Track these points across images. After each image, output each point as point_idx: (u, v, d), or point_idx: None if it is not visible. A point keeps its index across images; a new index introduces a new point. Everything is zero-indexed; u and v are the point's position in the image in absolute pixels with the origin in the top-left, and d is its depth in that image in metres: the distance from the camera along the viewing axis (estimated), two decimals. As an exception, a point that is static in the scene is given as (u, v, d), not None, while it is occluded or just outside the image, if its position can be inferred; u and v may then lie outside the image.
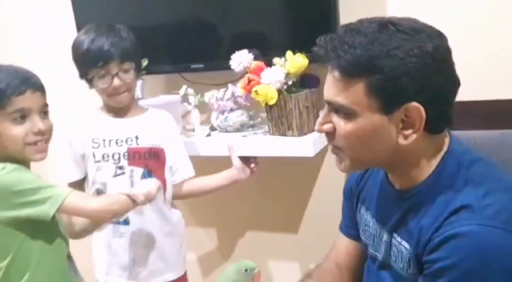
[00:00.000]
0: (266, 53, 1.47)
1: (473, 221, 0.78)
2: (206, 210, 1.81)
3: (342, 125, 0.84)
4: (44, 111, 1.13)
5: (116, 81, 1.34)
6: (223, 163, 1.52)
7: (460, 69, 0.85)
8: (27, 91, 1.09)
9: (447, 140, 0.88)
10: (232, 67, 1.46)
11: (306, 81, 1.46)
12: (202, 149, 1.55)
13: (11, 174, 1.07)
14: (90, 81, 1.38)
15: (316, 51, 0.85)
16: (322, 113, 0.88)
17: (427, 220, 0.83)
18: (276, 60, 1.41)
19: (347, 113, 0.83)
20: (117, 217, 1.31)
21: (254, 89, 1.41)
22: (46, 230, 1.12)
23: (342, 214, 1.15)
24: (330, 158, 1.54)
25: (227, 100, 1.50)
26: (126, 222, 1.40)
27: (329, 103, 0.86)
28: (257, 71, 1.43)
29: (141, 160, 1.40)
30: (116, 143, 1.39)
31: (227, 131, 1.58)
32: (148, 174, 1.40)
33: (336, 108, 0.85)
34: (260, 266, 1.00)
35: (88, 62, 1.35)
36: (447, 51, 0.82)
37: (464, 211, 0.79)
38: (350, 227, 1.11)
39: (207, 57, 1.59)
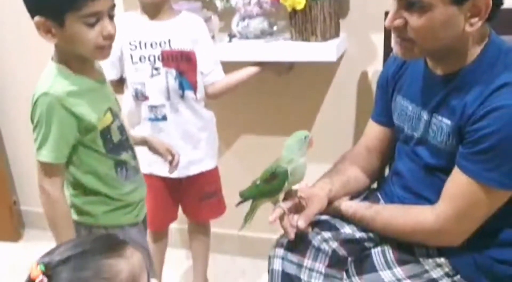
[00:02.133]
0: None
1: None
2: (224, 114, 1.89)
3: (416, 19, 0.94)
4: (111, 15, 1.10)
5: None
6: (243, 68, 1.59)
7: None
8: None
9: (488, 31, 1.01)
10: (259, -29, 1.49)
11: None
12: (223, 55, 1.60)
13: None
14: None
15: None
16: (391, 11, 0.97)
17: (471, 97, 0.97)
18: (303, -34, 1.45)
19: (422, 7, 0.92)
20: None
21: (282, -6, 1.45)
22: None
23: (374, 104, 1.28)
24: (345, 64, 1.67)
25: (254, 4, 1.54)
26: (164, 118, 1.51)
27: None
28: (284, -23, 1.47)
29: (173, 62, 1.48)
30: (151, 45, 1.46)
31: (247, 38, 1.64)
32: (179, 75, 1.49)
33: (410, 3, 0.93)
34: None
35: None
36: None
37: (504, 88, 0.94)
38: (382, 115, 1.25)
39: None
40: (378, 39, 1.56)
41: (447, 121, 1.03)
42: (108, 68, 1.47)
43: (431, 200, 1.07)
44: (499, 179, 0.95)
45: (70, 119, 1.10)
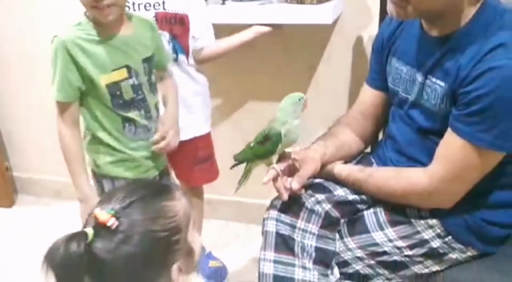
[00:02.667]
0: None
1: (508, 56, 0.91)
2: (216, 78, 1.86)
3: None
4: None
5: None
6: (237, 31, 1.56)
7: None
8: None
9: None
10: None
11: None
12: (216, 17, 1.57)
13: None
14: None
15: None
16: None
17: (465, 59, 0.96)
18: None
19: None
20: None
21: (278, -47, 1.41)
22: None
23: (370, 68, 1.27)
24: (341, 27, 1.65)
25: (248, -34, 1.50)
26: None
27: None
28: None
29: (167, 24, 1.44)
30: (145, 7, 1.43)
31: (241, 0, 1.60)
32: (172, 38, 1.45)
33: None
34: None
35: None
36: None
37: (499, 49, 0.92)
38: (377, 79, 1.24)
39: None
40: (374, 2, 1.53)
41: (441, 83, 1.02)
42: None
43: (424, 163, 1.07)
44: (491, 140, 0.95)
45: (71, 66, 1.17)
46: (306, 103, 1.08)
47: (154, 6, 1.42)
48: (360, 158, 1.28)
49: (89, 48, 1.17)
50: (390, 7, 1.01)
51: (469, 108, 0.95)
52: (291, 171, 1.10)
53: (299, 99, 1.07)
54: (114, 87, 1.21)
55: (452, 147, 0.99)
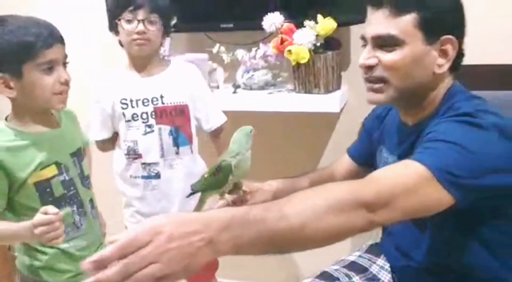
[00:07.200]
0: (292, 15, 1.59)
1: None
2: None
3: (389, 56, 0.97)
4: (65, 63, 1.18)
5: (141, 27, 1.40)
6: (248, 117, 1.62)
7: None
8: (54, 44, 1.14)
9: (451, 82, 1.03)
10: (264, 27, 1.57)
11: (330, 43, 1.60)
12: (228, 105, 1.65)
13: None
14: (116, 28, 1.43)
15: None
16: (366, 50, 1.00)
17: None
18: (307, 22, 1.52)
19: (395, 45, 0.96)
20: None
21: (287, 48, 1.52)
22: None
23: (357, 139, 1.29)
24: (346, 115, 1.72)
25: (259, 58, 1.60)
26: (158, 176, 1.51)
27: (378, 37, 0.98)
28: (288, 32, 1.55)
29: (167, 117, 1.47)
30: (143, 103, 1.46)
31: (251, 89, 1.69)
32: (175, 131, 1.49)
33: (383, 41, 0.97)
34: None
35: (120, 5, 1.42)
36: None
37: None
38: (357, 152, 1.28)
39: (237, 17, 1.68)
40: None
41: None
42: (98, 128, 1.51)
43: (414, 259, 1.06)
44: (422, 156, 0.86)
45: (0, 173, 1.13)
46: (253, 134, 1.13)
47: (152, 101, 1.46)
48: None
49: (16, 150, 1.15)
50: (368, 96, 1.03)
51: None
52: (242, 202, 1.14)
53: (250, 132, 1.11)
54: (43, 185, 1.18)
55: (390, 167, 0.93)
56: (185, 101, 1.50)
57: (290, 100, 1.60)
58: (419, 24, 0.95)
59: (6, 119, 1.20)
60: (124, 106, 1.46)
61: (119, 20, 1.41)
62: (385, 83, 0.99)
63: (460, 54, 1.00)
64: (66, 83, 1.17)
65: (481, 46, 1.27)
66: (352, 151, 1.31)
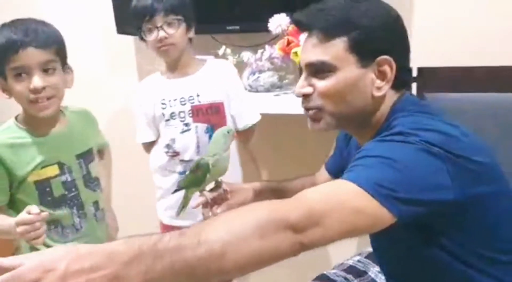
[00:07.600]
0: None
1: None
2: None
3: (323, 82, 0.93)
4: (45, 69, 1.11)
5: (161, 33, 1.42)
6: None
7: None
8: (26, 48, 1.07)
9: (395, 100, 0.96)
10: (270, 29, 1.58)
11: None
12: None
13: None
14: (143, 38, 1.48)
15: (297, 19, 0.97)
16: (301, 78, 0.98)
17: None
18: (313, 24, 1.52)
19: (328, 71, 0.92)
20: None
21: (293, 50, 1.53)
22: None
23: (332, 153, 1.28)
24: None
25: (265, 60, 1.60)
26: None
27: (310, 64, 0.95)
28: (295, 34, 1.55)
29: (204, 116, 1.52)
30: (180, 102, 1.52)
31: (257, 91, 1.70)
32: (211, 129, 1.52)
33: (317, 68, 0.93)
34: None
35: (137, 18, 1.44)
36: (402, 21, 0.96)
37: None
38: (333, 167, 1.26)
39: (243, 19, 1.68)
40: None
41: None
42: (144, 130, 1.57)
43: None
44: (351, 174, 0.82)
45: (1, 170, 1.15)
46: (234, 135, 1.18)
47: (189, 99, 1.51)
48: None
49: (18, 148, 1.16)
50: (309, 124, 1.00)
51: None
52: (223, 200, 1.16)
53: (228, 132, 1.15)
54: (43, 184, 1.18)
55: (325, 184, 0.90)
56: (220, 99, 1.53)
57: (296, 102, 1.59)
58: (350, 48, 0.91)
59: (16, 117, 1.21)
60: (164, 106, 1.52)
61: (142, 31, 1.46)
62: (320, 110, 0.96)
63: (404, 70, 0.96)
64: (36, 90, 1.09)
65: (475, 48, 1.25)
66: (329, 165, 1.28)
